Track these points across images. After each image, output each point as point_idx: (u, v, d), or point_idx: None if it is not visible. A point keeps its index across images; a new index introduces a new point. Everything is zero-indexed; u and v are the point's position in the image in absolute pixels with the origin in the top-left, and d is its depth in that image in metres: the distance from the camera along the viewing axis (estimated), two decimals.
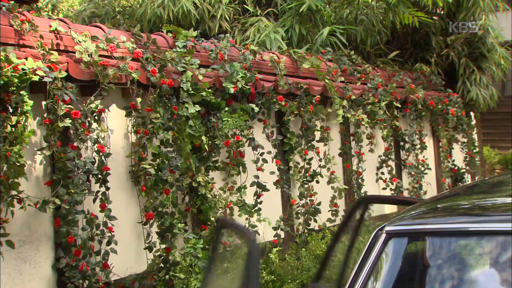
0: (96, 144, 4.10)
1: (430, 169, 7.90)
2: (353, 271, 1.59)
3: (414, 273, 1.58)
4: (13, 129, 3.47)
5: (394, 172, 7.23)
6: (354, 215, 2.61)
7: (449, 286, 1.49)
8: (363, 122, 6.49)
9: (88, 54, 4.02)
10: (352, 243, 2.57)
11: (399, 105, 7.24)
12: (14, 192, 3.53)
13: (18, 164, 3.48)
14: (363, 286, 1.54)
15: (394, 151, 7.36)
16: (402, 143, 7.56)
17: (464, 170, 8.62)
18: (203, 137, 4.73)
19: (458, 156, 8.67)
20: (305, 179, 5.95)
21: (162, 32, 5.13)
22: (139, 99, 4.35)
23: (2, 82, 3.37)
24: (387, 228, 1.61)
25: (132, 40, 4.51)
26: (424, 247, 1.59)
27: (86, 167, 3.95)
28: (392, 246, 1.58)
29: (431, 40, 8.46)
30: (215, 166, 5.01)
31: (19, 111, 3.51)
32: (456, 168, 8.48)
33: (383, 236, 1.60)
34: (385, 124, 7.01)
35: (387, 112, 7.03)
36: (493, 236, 1.43)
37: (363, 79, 6.96)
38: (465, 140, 8.73)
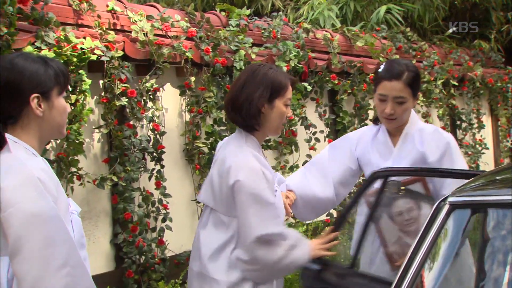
0: (151, 123, 4.17)
1: (488, 148, 7.67)
2: (414, 242, 1.56)
3: (474, 246, 1.55)
4: (73, 107, 3.57)
5: None
6: (366, 192, 2.47)
7: (510, 258, 1.46)
8: (418, 101, 6.35)
9: (144, 34, 4.07)
10: (369, 220, 2.45)
11: (456, 83, 7.05)
12: (73, 169, 3.64)
13: (77, 141, 3.58)
14: (426, 256, 1.51)
15: (450, 130, 7.18)
16: (458, 122, 7.36)
17: None
18: None
19: None
20: None
21: (216, 11, 5.14)
22: (193, 78, 4.39)
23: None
24: (450, 199, 1.57)
25: (186, 19, 4.54)
26: (485, 219, 1.56)
27: (142, 145, 4.02)
28: (455, 217, 1.55)
29: (491, 16, 8.17)
30: (268, 145, 5.01)
31: (78, 90, 3.60)
32: None
33: (446, 207, 1.56)
34: (441, 103, 6.84)
35: (443, 90, 6.86)
36: None
37: (418, 56, 6.80)
38: None
